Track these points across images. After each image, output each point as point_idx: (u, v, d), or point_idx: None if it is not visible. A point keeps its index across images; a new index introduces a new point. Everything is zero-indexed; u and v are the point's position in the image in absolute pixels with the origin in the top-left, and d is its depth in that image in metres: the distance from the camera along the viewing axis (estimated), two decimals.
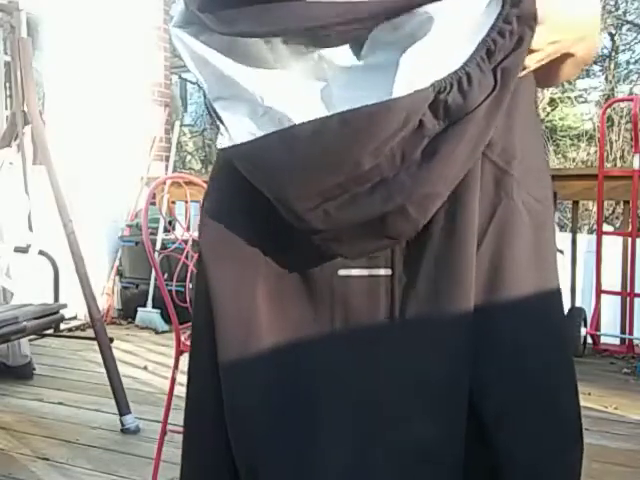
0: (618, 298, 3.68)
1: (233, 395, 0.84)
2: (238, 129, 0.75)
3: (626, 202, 3.76)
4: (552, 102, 11.32)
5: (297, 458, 0.82)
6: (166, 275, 2.69)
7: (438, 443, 0.80)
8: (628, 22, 11.40)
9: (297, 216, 0.75)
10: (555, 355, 0.86)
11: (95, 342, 2.67)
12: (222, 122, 0.76)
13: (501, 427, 0.81)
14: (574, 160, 10.94)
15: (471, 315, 0.79)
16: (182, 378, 2.02)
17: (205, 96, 0.78)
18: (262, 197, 0.77)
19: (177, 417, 2.27)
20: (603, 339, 3.69)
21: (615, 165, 8.80)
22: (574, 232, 3.81)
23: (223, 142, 0.76)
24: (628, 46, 11.62)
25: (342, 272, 0.82)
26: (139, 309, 4.44)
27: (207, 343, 0.85)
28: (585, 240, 4.76)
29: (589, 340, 3.60)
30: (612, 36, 11.34)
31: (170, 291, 2.02)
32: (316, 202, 0.73)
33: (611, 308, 3.76)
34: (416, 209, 0.73)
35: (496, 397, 0.82)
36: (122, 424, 2.55)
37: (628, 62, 11.62)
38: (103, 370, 2.65)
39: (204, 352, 0.87)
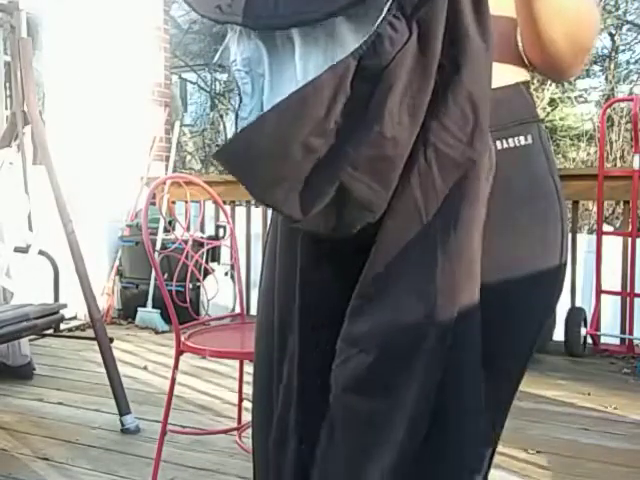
0: (618, 298, 3.68)
1: None
2: None
3: (626, 202, 3.76)
4: (552, 102, 11.31)
5: None
6: (166, 275, 2.69)
7: None
8: (628, 22, 11.41)
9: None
10: None
11: (95, 342, 2.67)
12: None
13: None
14: (574, 160, 10.95)
15: None
16: (182, 378, 2.03)
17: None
18: None
19: (177, 417, 2.28)
20: (603, 339, 3.69)
21: (615, 165, 8.79)
22: (574, 232, 3.80)
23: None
24: (628, 46, 11.64)
25: None
26: (139, 309, 4.43)
27: None
28: (585, 240, 4.76)
29: (589, 340, 3.60)
30: (612, 36, 11.36)
31: (170, 291, 2.02)
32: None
33: (611, 308, 3.77)
34: (370, 176, 0.73)
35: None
36: (122, 424, 2.55)
37: (628, 62, 11.64)
38: (103, 370, 2.65)
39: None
